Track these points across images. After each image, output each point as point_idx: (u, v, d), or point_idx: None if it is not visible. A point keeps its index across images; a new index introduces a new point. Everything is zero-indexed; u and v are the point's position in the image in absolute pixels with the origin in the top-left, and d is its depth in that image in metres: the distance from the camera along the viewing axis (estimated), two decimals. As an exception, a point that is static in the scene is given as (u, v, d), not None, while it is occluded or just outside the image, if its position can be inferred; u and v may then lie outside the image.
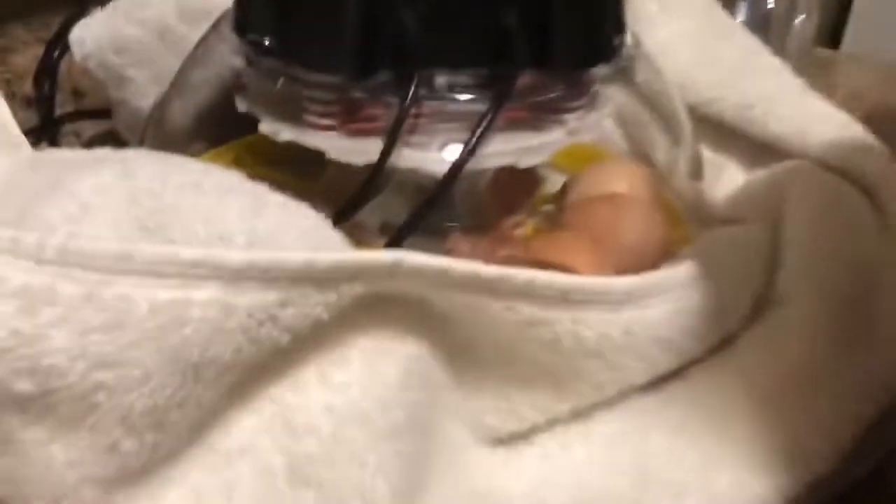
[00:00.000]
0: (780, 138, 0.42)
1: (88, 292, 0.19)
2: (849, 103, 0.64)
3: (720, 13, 0.51)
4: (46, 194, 0.28)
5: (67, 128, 0.58)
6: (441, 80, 0.33)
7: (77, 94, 0.60)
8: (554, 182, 0.43)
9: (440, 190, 0.30)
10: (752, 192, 0.39)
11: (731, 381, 0.26)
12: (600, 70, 0.35)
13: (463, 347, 0.24)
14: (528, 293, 0.21)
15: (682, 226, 0.42)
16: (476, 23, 0.33)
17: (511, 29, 0.32)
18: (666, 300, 0.24)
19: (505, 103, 0.31)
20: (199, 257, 0.19)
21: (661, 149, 0.46)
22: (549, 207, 0.41)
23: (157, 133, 0.44)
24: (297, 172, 0.42)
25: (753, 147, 0.45)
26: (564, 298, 0.21)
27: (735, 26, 0.50)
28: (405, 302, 0.22)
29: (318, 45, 0.33)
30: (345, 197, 0.38)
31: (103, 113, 0.53)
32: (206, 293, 0.19)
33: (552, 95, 0.34)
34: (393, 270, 0.20)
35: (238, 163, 0.45)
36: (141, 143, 0.44)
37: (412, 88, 0.30)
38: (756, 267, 0.32)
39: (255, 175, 0.44)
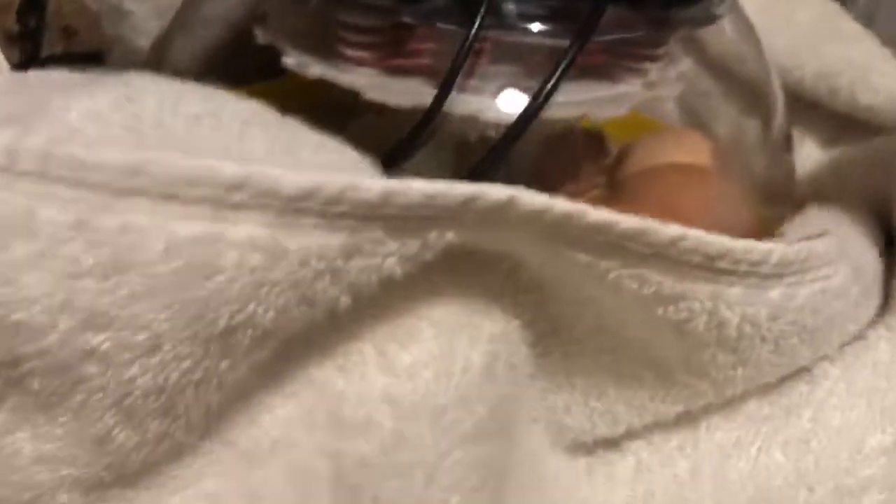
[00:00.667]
0: (872, 110, 0.37)
1: (79, 220, 0.14)
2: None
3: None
4: (27, 120, 0.22)
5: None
6: (511, 5, 0.27)
7: (68, 32, 0.54)
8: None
9: (502, 148, 0.25)
10: (845, 170, 0.34)
11: (866, 384, 0.21)
12: (690, 12, 0.30)
13: (554, 327, 0.19)
14: (668, 256, 0.16)
15: (756, 202, 0.37)
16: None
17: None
18: (816, 277, 0.18)
19: (589, 40, 0.25)
20: (240, 176, 0.14)
21: (725, 120, 0.41)
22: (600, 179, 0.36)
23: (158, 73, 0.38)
24: (324, 126, 0.36)
25: (834, 120, 0.40)
26: (709, 267, 0.16)
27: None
28: (497, 264, 0.17)
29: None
30: (382, 148, 0.33)
31: (96, 57, 0.47)
32: (245, 229, 0.14)
33: (634, 37, 0.29)
34: (504, 212, 0.15)
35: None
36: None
37: (481, 13, 0.25)
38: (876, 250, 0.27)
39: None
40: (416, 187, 0.14)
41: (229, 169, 0.14)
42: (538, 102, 0.26)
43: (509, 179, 0.32)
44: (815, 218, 0.28)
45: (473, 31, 0.25)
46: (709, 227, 0.33)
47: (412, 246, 0.15)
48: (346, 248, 0.14)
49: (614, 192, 0.35)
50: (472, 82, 0.29)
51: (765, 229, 0.34)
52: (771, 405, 0.21)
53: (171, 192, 0.14)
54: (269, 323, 0.14)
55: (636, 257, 0.16)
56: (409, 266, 0.16)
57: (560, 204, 0.15)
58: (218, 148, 0.22)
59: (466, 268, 0.17)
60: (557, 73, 0.26)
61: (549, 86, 0.26)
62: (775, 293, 0.17)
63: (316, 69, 0.29)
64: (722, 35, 0.33)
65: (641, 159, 0.38)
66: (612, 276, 0.16)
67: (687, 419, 0.20)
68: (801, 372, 0.21)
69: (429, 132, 0.28)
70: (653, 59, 0.30)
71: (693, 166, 0.36)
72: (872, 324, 0.23)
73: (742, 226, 0.34)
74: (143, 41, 0.42)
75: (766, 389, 0.21)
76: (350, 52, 0.29)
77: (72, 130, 0.22)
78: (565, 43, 0.26)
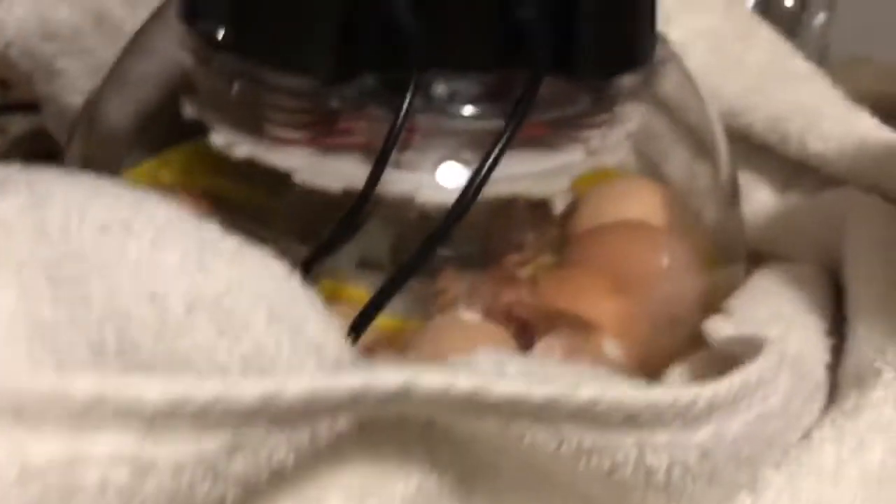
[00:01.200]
0: (822, 158, 0.36)
1: None
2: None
3: (741, 8, 0.45)
4: None
5: (-8, 123, 0.51)
6: (441, 87, 0.26)
7: (3, 85, 0.53)
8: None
9: (443, 230, 0.24)
10: (796, 225, 0.34)
11: (811, 494, 0.20)
12: (630, 77, 0.29)
13: (478, 467, 0.18)
14: (583, 417, 0.15)
15: (710, 255, 0.36)
16: (485, 15, 0.26)
17: (527, 24, 0.26)
18: (751, 404, 0.18)
19: (523, 121, 0.24)
20: (96, 394, 0.13)
21: (678, 163, 0.40)
22: (555, 229, 0.35)
23: (89, 135, 0.37)
24: (259, 185, 0.35)
25: (787, 165, 0.39)
26: (630, 421, 0.15)
27: (758, 24, 0.45)
28: (406, 426, 0.16)
29: (285, 40, 0.26)
30: (315, 218, 0.32)
31: (33, 107, 0.46)
32: (108, 445, 0.13)
33: (574, 108, 0.28)
34: (400, 397, 0.14)
35: (187, 172, 0.38)
36: (68, 146, 0.37)
37: (408, 98, 0.24)
38: (825, 325, 0.26)
39: (207, 189, 0.38)
40: (294, 389, 0.13)
41: (83, 386, 0.12)
42: (473, 188, 0.24)
43: (455, 254, 0.31)
44: (762, 294, 0.27)
45: (400, 119, 0.24)
46: (660, 289, 0.32)
47: (301, 437, 0.14)
48: (226, 448, 0.13)
49: (565, 250, 0.35)
50: (408, 157, 0.28)
51: (715, 288, 0.33)
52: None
53: (20, 414, 0.13)
54: (144, 536, 0.13)
55: (550, 420, 0.15)
56: (302, 454, 0.15)
57: (462, 381, 0.14)
58: (127, 262, 0.21)
59: (377, 429, 0.16)
60: (494, 154, 0.25)
61: (483, 169, 0.25)
62: (705, 433, 0.16)
63: (244, 149, 0.28)
64: (665, 83, 0.32)
65: (592, 214, 0.37)
66: (526, 438, 0.15)
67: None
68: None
69: (362, 216, 0.27)
70: (594, 126, 0.29)
71: (643, 224, 0.35)
72: (819, 422, 0.22)
73: (692, 285, 0.33)
74: (77, 99, 0.41)
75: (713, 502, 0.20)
76: (279, 133, 0.27)
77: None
78: (499, 123, 0.25)
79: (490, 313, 0.29)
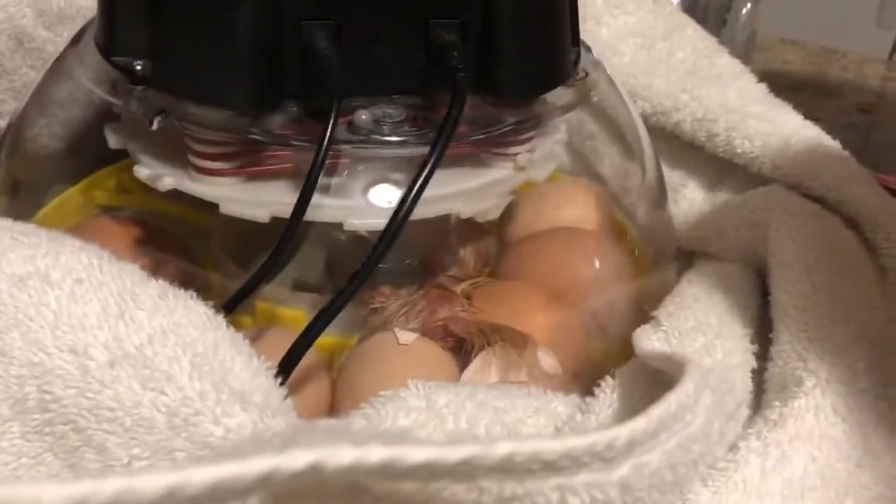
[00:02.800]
0: (747, 157, 0.37)
1: None
2: (789, 95, 0.61)
3: (669, 6, 0.46)
4: None
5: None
6: (364, 115, 0.26)
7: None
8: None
9: (376, 257, 0.24)
10: (722, 223, 0.34)
11: (738, 503, 0.21)
12: (554, 94, 0.29)
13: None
14: (501, 470, 0.15)
15: (641, 256, 0.36)
16: (405, 40, 0.26)
17: (449, 48, 0.26)
18: (671, 433, 0.18)
19: (447, 145, 0.24)
20: None
21: (609, 161, 0.41)
22: (489, 239, 0.35)
23: (15, 156, 0.36)
24: (193, 203, 0.35)
25: (715, 163, 0.40)
26: (550, 467, 0.15)
27: (685, 20, 0.45)
28: (326, 488, 0.16)
29: (204, 72, 0.25)
30: (248, 239, 0.32)
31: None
32: None
33: (501, 127, 0.28)
34: (311, 474, 0.14)
35: (122, 190, 0.38)
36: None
37: (330, 126, 0.24)
38: (750, 330, 0.27)
39: (143, 206, 0.37)
40: (199, 479, 0.13)
41: None
42: (402, 213, 0.24)
43: (391, 271, 0.31)
44: (689, 302, 0.28)
45: (324, 147, 0.24)
46: (593, 298, 0.33)
47: None
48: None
49: (503, 259, 0.35)
50: (337, 183, 0.28)
51: (647, 291, 0.33)
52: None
53: None
54: None
55: (468, 476, 0.15)
56: None
57: (374, 454, 0.14)
58: (47, 314, 0.21)
59: (295, 493, 0.16)
60: (420, 180, 0.25)
61: (411, 194, 0.25)
62: (625, 469, 0.17)
63: (168, 181, 0.28)
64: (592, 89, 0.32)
65: (528, 219, 0.38)
66: (446, 493, 0.15)
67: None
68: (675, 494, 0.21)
69: (293, 244, 0.27)
70: (521, 143, 0.29)
71: (576, 232, 0.36)
72: (745, 432, 0.23)
73: (624, 293, 0.34)
74: (1, 121, 0.40)
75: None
76: (203, 164, 0.27)
77: None
78: (426, 146, 0.25)
79: (426, 330, 0.29)
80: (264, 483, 0.13)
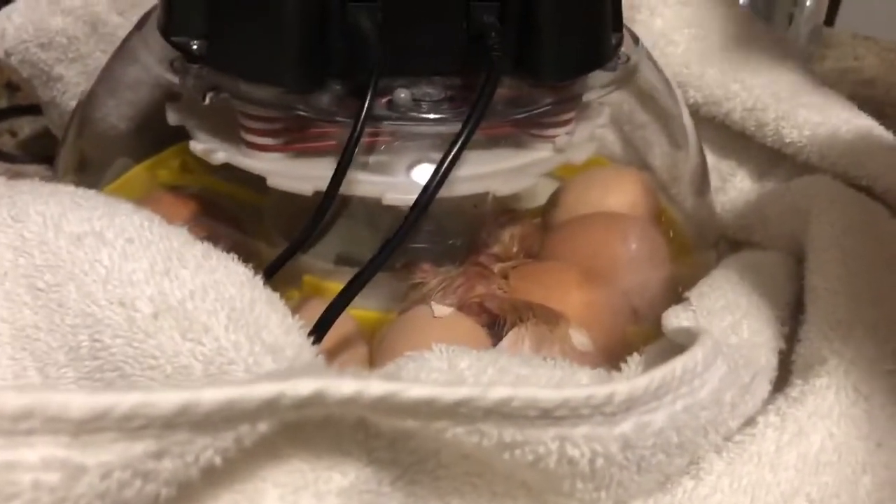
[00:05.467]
0: (795, 146, 0.37)
1: None
2: (860, 90, 0.59)
3: (723, -5, 0.46)
4: None
5: (1, 126, 0.52)
6: (403, 93, 0.27)
7: (11, 87, 0.54)
8: (540, 189, 0.37)
9: (406, 227, 0.25)
10: (768, 212, 0.34)
11: (750, 478, 0.21)
12: (595, 77, 0.30)
13: (419, 458, 0.19)
14: (500, 414, 0.16)
15: (683, 243, 0.36)
16: (446, 22, 0.27)
17: (489, 29, 0.27)
18: (677, 396, 0.19)
19: (480, 121, 0.25)
20: (23, 407, 0.14)
21: (659, 151, 0.41)
22: (535, 222, 0.36)
23: (83, 135, 0.38)
24: (249, 182, 0.36)
25: (764, 152, 0.39)
26: (546, 416, 0.16)
27: (740, 11, 0.45)
28: (339, 422, 0.17)
29: (255, 52, 0.27)
30: (296, 214, 0.33)
31: (41, 108, 0.47)
32: (39, 452, 0.14)
33: (540, 108, 0.29)
34: (315, 401, 0.15)
35: (185, 169, 0.40)
36: (61, 148, 0.38)
37: (366, 104, 0.25)
38: (782, 312, 0.27)
39: (203, 185, 0.39)
40: (210, 398, 0.14)
41: (12, 400, 0.14)
42: (431, 187, 0.25)
43: (431, 249, 0.32)
44: (722, 283, 0.28)
45: (360, 123, 0.25)
46: (627, 279, 0.33)
47: (226, 439, 0.16)
48: (153, 453, 0.15)
49: (544, 241, 0.35)
50: (378, 160, 0.29)
51: (686, 276, 0.34)
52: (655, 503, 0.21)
53: None
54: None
55: (468, 418, 0.16)
56: (230, 454, 0.16)
57: (374, 387, 0.15)
58: (99, 270, 0.22)
59: (310, 425, 0.17)
60: (449, 158, 0.26)
61: (441, 169, 0.26)
62: (626, 426, 0.17)
63: (221, 155, 0.29)
64: (637, 76, 0.33)
65: (574, 203, 0.38)
66: (448, 434, 0.16)
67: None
68: (688, 464, 0.21)
69: (330, 216, 0.28)
70: (560, 124, 0.30)
71: (617, 216, 0.36)
72: (764, 408, 0.23)
73: (660, 275, 0.34)
74: (75, 103, 0.42)
75: (647, 488, 0.21)
76: (253, 139, 0.29)
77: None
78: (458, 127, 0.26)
79: (463, 306, 0.30)
80: (272, 407, 0.14)
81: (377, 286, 0.27)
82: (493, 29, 0.27)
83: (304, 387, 0.15)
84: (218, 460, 0.16)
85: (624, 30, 0.33)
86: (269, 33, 0.27)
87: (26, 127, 0.52)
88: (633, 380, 0.17)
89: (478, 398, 0.16)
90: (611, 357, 0.29)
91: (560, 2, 0.27)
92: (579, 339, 0.29)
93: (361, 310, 0.30)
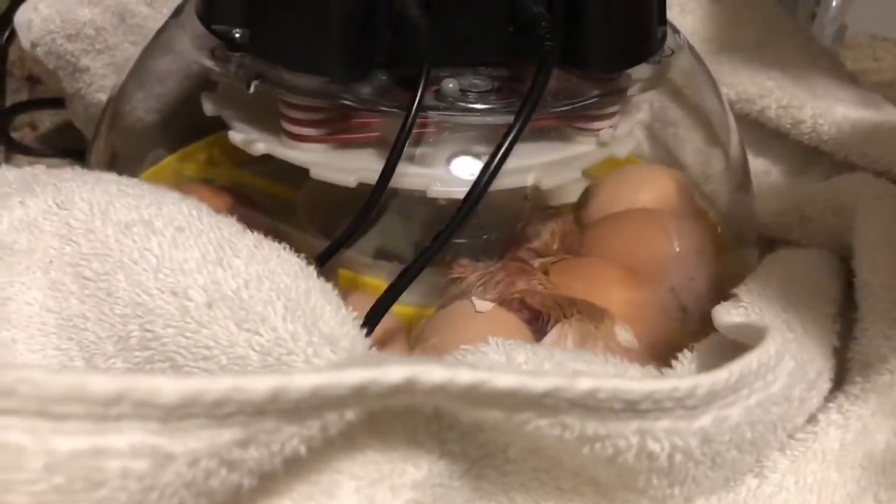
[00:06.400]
0: (835, 143, 0.36)
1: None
2: (881, 92, 0.59)
3: (756, -6, 0.45)
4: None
5: (22, 118, 0.52)
6: (451, 83, 0.27)
7: (32, 80, 0.54)
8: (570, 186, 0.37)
9: (458, 220, 0.24)
10: (808, 211, 0.34)
11: (815, 477, 0.21)
12: (640, 70, 0.30)
13: (487, 452, 0.18)
14: (584, 406, 0.16)
15: (721, 240, 0.36)
16: (495, 12, 0.27)
17: (537, 20, 0.26)
18: (752, 391, 0.18)
19: (533, 112, 0.25)
20: (114, 391, 0.13)
21: (692, 148, 0.41)
22: (568, 216, 0.36)
23: (113, 130, 0.38)
24: (280, 176, 0.36)
25: (799, 150, 0.39)
26: (630, 409, 0.16)
27: (772, 8, 0.45)
28: (415, 413, 0.17)
29: (299, 40, 0.26)
30: (334, 209, 0.33)
31: (61, 101, 0.47)
32: (128, 438, 0.14)
33: (585, 101, 0.28)
34: (403, 390, 0.15)
35: (212, 163, 0.39)
36: (93, 141, 0.38)
37: (418, 94, 0.24)
38: (832, 309, 0.27)
39: (231, 179, 0.39)
40: (301, 384, 0.14)
41: (102, 384, 0.13)
42: (483, 181, 0.25)
43: (471, 243, 0.32)
44: (770, 280, 0.28)
45: (412, 114, 0.24)
46: (671, 275, 0.33)
47: (312, 427, 0.15)
48: (239, 441, 0.14)
49: (581, 237, 0.35)
50: (422, 152, 0.28)
51: (727, 273, 0.33)
52: (719, 502, 0.20)
53: (46, 410, 0.13)
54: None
55: (552, 409, 0.16)
56: (314, 443, 0.15)
57: (463, 375, 0.15)
58: (149, 259, 0.22)
59: (387, 416, 0.17)
60: (502, 150, 0.25)
61: (494, 162, 0.25)
62: (706, 420, 0.17)
63: (261, 146, 0.29)
64: (677, 71, 0.32)
65: (607, 201, 0.38)
66: (530, 426, 0.16)
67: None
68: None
69: (377, 210, 0.27)
70: (605, 118, 0.30)
71: (655, 212, 0.36)
72: (825, 405, 0.23)
73: (703, 272, 0.33)
74: (101, 95, 0.42)
75: (714, 486, 0.20)
76: (295, 130, 0.28)
77: (2, 246, 0.22)
78: (510, 117, 0.26)
79: (503, 301, 0.30)
80: (360, 395, 0.14)
81: (415, 281, 0.27)
82: (542, 19, 0.26)
83: (395, 373, 0.14)
84: (303, 449, 0.15)
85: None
86: (315, 22, 0.26)
87: (47, 120, 0.52)
88: (714, 372, 0.17)
89: (565, 388, 0.15)
90: (655, 354, 0.29)
91: (609, -8, 0.27)
92: (624, 335, 0.29)
93: (398, 304, 0.30)
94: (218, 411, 0.14)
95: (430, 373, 0.14)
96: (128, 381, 0.13)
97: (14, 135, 0.49)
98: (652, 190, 0.37)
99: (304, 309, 0.20)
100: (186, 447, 0.14)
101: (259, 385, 0.13)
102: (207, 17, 0.28)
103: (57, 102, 0.49)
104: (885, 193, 0.31)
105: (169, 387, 0.13)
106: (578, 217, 0.36)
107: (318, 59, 0.26)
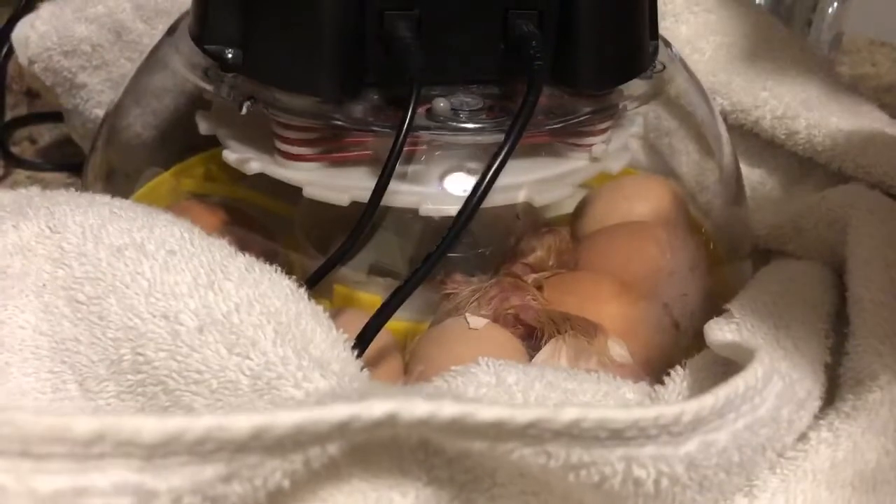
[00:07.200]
0: (828, 155, 0.36)
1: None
2: (879, 97, 0.59)
3: (750, 4, 0.45)
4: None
5: (21, 133, 0.52)
6: (443, 103, 0.27)
7: (31, 95, 0.54)
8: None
9: (450, 238, 0.24)
10: (802, 221, 0.34)
11: (806, 496, 0.21)
12: (632, 85, 0.30)
13: (475, 476, 0.18)
14: (569, 435, 0.16)
15: (715, 252, 0.36)
16: (486, 31, 0.27)
17: (527, 39, 0.27)
18: (739, 415, 0.18)
19: (524, 131, 0.25)
20: (95, 431, 0.13)
21: (686, 159, 0.41)
22: (562, 231, 0.36)
23: (109, 146, 0.38)
24: (277, 191, 0.36)
25: (794, 161, 0.39)
26: (615, 436, 0.16)
27: (766, 18, 0.45)
28: (400, 442, 0.17)
29: (291, 61, 0.27)
30: (328, 226, 0.33)
31: (61, 115, 0.47)
32: (111, 477, 0.14)
33: (577, 117, 0.28)
34: (386, 425, 0.15)
35: (209, 178, 0.39)
36: (90, 156, 0.38)
37: (409, 113, 0.24)
38: (825, 325, 0.27)
39: (228, 194, 0.39)
40: (284, 420, 0.14)
41: (83, 424, 0.13)
42: (476, 199, 0.25)
43: (464, 258, 0.32)
44: (763, 295, 0.28)
45: (402, 133, 0.25)
46: (664, 290, 0.33)
47: (295, 462, 0.15)
48: (222, 476, 0.14)
49: (575, 251, 0.35)
50: (414, 170, 0.28)
51: (721, 286, 0.33)
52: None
53: (28, 451, 0.13)
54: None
55: (537, 439, 0.16)
56: (298, 476, 0.15)
57: (446, 409, 0.15)
58: (141, 283, 0.22)
59: (372, 445, 0.17)
60: (493, 168, 0.25)
61: (485, 180, 0.25)
62: (692, 445, 0.17)
63: (255, 165, 0.29)
64: (670, 84, 0.32)
65: (601, 213, 0.38)
66: (514, 455, 0.16)
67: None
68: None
69: (370, 228, 0.27)
70: (597, 133, 0.30)
71: (648, 225, 0.36)
72: (816, 423, 0.23)
73: (697, 286, 0.33)
74: (98, 111, 0.42)
75: (703, 505, 0.20)
76: (288, 149, 0.28)
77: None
78: (501, 135, 0.26)
79: (497, 317, 0.30)
80: (343, 430, 0.14)
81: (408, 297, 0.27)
82: (532, 37, 0.27)
83: (378, 409, 0.14)
84: (286, 483, 0.15)
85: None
86: (306, 43, 0.26)
87: (46, 134, 0.52)
88: (699, 398, 0.17)
89: (549, 419, 0.15)
90: (650, 370, 0.29)
91: (599, 10, 0.27)
92: (618, 350, 0.29)
93: (392, 320, 0.30)
94: (200, 449, 0.14)
95: (413, 408, 0.14)
96: (109, 421, 0.13)
97: (13, 149, 0.49)
98: (647, 201, 0.37)
99: (295, 332, 0.20)
100: (169, 484, 0.14)
101: (241, 423, 0.14)
102: (200, 37, 0.29)
103: (56, 117, 0.49)
104: (877, 207, 0.31)
105: (150, 426, 0.13)
106: (574, 227, 0.36)
107: (309, 80, 0.26)
